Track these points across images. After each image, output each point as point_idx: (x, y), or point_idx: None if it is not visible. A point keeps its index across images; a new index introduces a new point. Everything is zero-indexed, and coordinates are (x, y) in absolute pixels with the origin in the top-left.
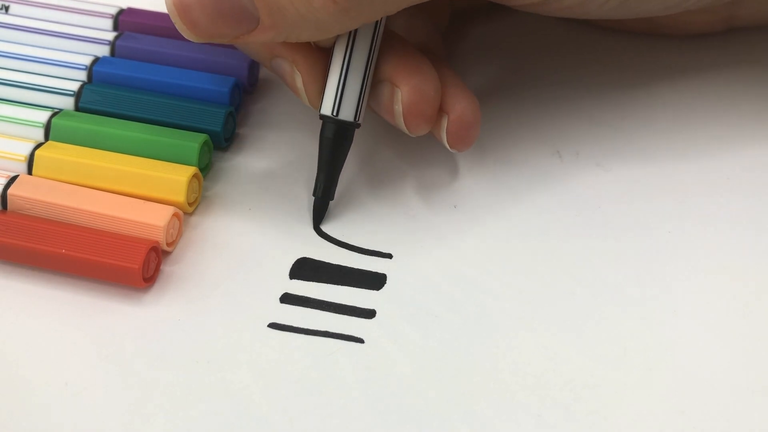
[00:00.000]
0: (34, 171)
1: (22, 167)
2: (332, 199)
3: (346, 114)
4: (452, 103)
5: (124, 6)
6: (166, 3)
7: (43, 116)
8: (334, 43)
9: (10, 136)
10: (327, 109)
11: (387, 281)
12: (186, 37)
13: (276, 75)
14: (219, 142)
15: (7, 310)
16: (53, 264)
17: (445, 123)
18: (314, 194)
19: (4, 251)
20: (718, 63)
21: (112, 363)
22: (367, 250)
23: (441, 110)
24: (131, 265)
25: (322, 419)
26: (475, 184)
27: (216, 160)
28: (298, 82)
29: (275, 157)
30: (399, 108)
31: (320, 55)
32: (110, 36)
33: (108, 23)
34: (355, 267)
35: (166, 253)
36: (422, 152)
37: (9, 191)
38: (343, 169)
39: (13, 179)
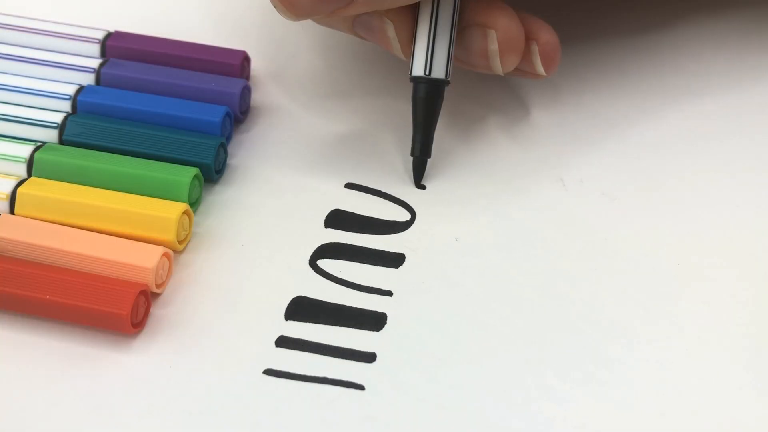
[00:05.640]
0: (16, 210)
1: (4, 206)
2: (430, 156)
3: (438, 72)
4: (535, 30)
5: (112, 30)
6: None
7: (26, 150)
8: (419, 4)
9: None
10: (419, 69)
11: (387, 321)
12: (284, 17)
13: (362, 35)
14: (210, 175)
15: None
16: (36, 310)
17: (535, 49)
18: (412, 154)
19: None
20: (726, 81)
21: (100, 415)
22: (366, 287)
23: (526, 40)
24: (119, 311)
25: None
26: (476, 214)
27: (206, 193)
28: (390, 31)
29: (268, 189)
30: (495, 47)
31: (408, 6)
32: (95, 63)
33: (95, 49)
34: (354, 306)
35: (156, 295)
36: (424, 181)
37: None
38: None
39: None
